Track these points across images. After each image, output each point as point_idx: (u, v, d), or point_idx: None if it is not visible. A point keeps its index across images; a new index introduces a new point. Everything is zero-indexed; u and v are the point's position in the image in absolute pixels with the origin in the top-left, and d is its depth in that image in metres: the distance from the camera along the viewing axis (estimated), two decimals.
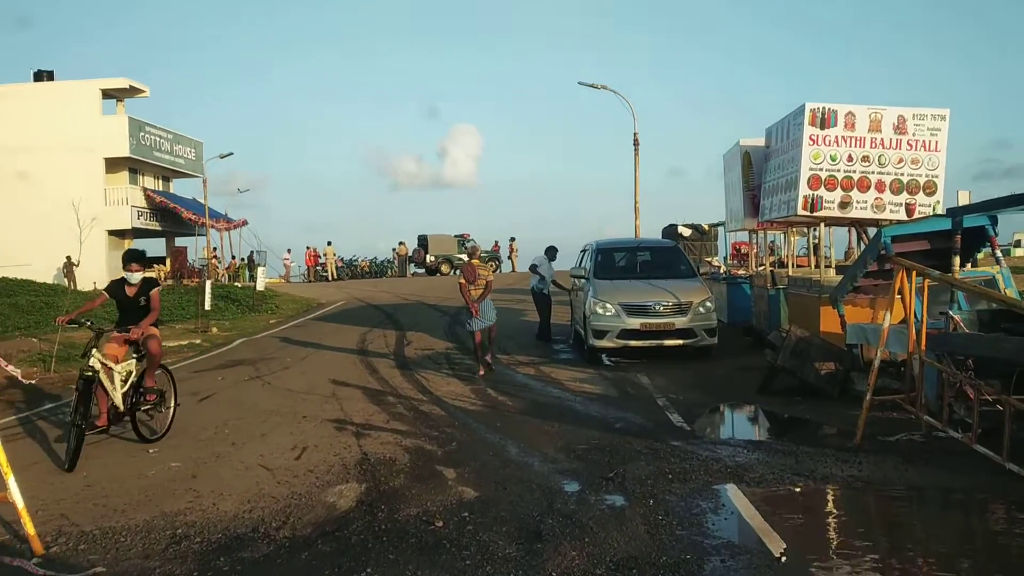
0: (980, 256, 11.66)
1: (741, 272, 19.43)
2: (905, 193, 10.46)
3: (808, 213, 10.54)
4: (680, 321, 12.14)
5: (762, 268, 17.70)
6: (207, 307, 19.56)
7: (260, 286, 24.18)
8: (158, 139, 36.26)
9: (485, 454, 7.22)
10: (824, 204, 10.46)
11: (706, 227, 23.99)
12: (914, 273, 6.52)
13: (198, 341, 17.05)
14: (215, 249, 39.52)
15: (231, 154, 40.01)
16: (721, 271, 20.62)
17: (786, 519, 5.27)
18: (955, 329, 7.00)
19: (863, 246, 11.85)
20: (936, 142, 10.35)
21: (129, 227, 33.88)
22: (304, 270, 43.93)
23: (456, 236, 43.83)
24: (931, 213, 10.09)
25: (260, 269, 24.72)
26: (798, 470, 6.29)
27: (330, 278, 41.59)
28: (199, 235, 38.27)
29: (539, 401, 9.83)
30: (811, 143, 10.40)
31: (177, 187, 40.34)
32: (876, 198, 10.50)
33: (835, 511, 5.56)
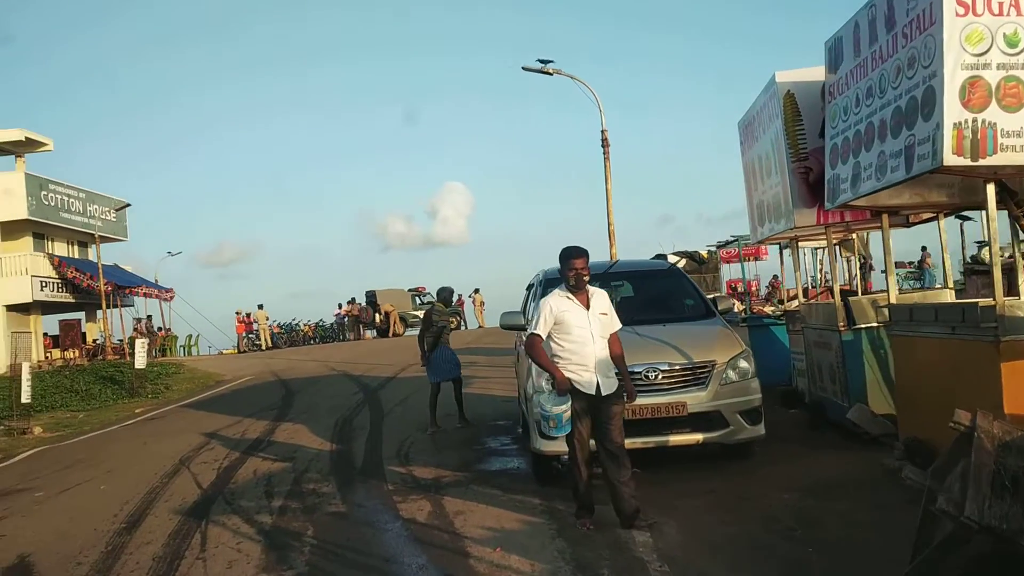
0: None
1: (768, 309, 13.93)
2: None
3: (967, 160, 4.88)
4: (695, 399, 6.51)
5: (814, 298, 11.89)
6: (25, 399, 14.03)
7: (140, 363, 18.68)
8: (67, 199, 30.97)
9: None
10: (1001, 138, 4.90)
11: (704, 254, 18.43)
12: None
13: None
14: (139, 320, 34.18)
15: (128, 205, 34.58)
16: (737, 309, 15.02)
17: None
18: None
19: None
20: None
21: (31, 300, 28.41)
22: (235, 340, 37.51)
23: (410, 290, 38.16)
24: None
25: (139, 343, 19.05)
26: None
27: (264, 347, 34.60)
28: (124, 306, 32.89)
29: None
30: (961, 11, 4.90)
31: (107, 253, 34.73)
32: None
33: None
